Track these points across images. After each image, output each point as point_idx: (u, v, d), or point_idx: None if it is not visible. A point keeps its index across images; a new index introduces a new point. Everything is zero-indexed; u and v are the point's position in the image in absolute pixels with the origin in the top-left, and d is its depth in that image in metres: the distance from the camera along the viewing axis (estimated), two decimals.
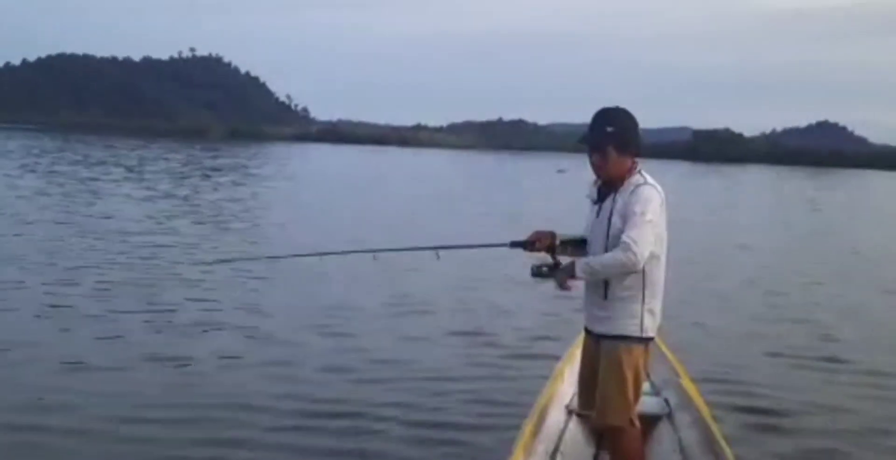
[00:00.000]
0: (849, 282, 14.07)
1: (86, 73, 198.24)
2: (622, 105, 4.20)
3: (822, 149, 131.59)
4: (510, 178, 48.07)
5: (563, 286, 4.10)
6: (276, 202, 24.33)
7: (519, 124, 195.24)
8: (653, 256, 3.99)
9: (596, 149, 4.10)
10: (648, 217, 3.92)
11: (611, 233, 4.02)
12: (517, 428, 4.59)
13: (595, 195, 4.23)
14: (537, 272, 4.16)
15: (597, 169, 4.15)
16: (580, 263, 4.04)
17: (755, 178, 67.28)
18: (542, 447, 4.52)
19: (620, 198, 4.03)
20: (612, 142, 4.06)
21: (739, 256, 16.87)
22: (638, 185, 4.02)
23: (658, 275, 4.08)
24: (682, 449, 4.63)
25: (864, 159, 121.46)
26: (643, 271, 3.99)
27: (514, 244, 4.34)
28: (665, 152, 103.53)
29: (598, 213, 4.15)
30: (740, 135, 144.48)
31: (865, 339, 9.51)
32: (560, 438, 4.80)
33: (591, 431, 5.10)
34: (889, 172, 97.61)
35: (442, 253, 4.70)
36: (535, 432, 4.49)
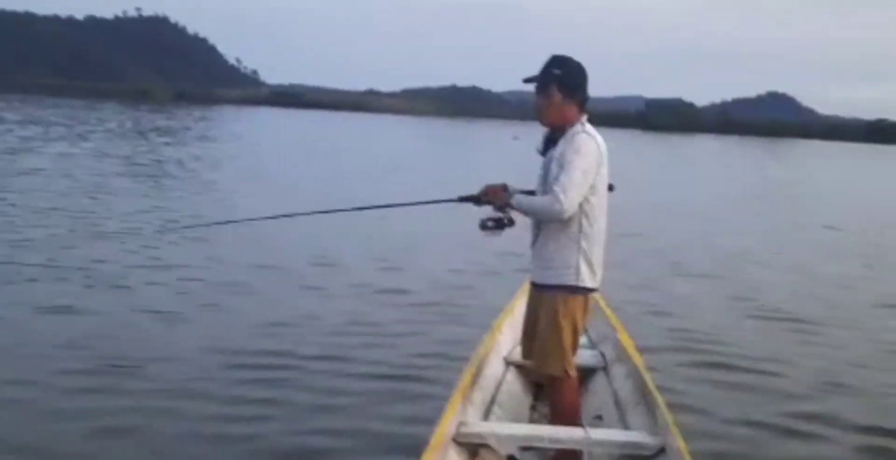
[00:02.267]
0: (783, 240, 14.55)
1: (27, 32, 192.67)
2: None
3: (771, 119, 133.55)
4: (465, 145, 47.96)
5: (489, 194, 4.08)
6: (219, 164, 23.88)
7: (473, 91, 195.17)
8: (588, 206, 3.94)
9: (540, 90, 4.04)
10: (579, 164, 3.85)
11: (548, 181, 3.97)
12: (455, 379, 4.53)
13: (542, 147, 4.17)
14: (484, 225, 4.09)
15: (539, 112, 4.07)
16: (517, 196, 4.02)
17: (702, 147, 68.11)
18: (480, 397, 4.49)
19: (560, 147, 3.98)
20: (556, 82, 3.99)
21: (680, 220, 17.15)
22: (575, 134, 3.95)
23: (596, 227, 4.00)
24: (617, 400, 4.64)
25: (812, 130, 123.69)
26: (579, 222, 3.94)
27: (463, 198, 4.25)
28: (618, 121, 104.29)
29: (542, 165, 4.10)
30: (692, 105, 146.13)
31: (797, 292, 9.95)
32: (497, 389, 4.78)
33: (528, 382, 5.11)
34: (837, 143, 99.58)
35: (386, 211, 4.60)
36: (473, 382, 4.44)
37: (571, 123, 4.00)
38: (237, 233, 10.76)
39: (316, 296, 8.36)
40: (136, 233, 11.09)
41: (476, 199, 4.20)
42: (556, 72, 4.01)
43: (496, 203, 4.07)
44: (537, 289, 4.16)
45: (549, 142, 4.11)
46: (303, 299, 8.16)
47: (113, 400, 5.33)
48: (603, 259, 4.07)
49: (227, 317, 7.42)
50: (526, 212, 4.00)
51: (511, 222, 4.07)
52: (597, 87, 4.27)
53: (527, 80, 4.11)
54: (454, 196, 4.27)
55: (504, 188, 4.16)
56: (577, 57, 4.10)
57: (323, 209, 5.31)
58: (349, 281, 9.04)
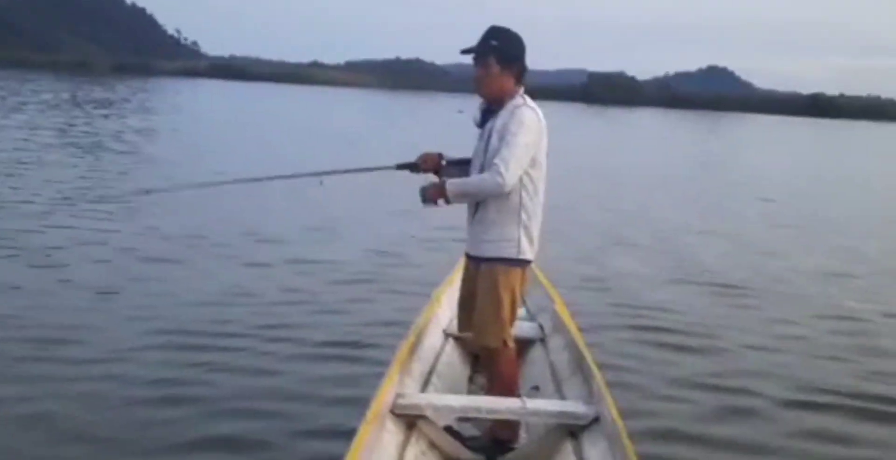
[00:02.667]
0: (720, 212, 14.84)
1: None
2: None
3: (711, 93, 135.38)
4: (409, 117, 47.71)
5: (427, 200, 4.00)
6: (158, 136, 23.41)
7: (417, 63, 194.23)
8: (529, 180, 3.96)
9: (478, 61, 4.03)
10: (522, 139, 3.86)
11: (488, 154, 3.96)
12: (394, 349, 4.53)
13: (479, 118, 4.16)
14: (425, 197, 4.06)
15: (478, 83, 4.07)
16: (451, 184, 3.97)
17: (643, 121, 68.85)
18: (418, 368, 4.50)
19: (500, 119, 3.97)
20: (494, 54, 3.98)
21: (619, 192, 17.38)
22: (517, 107, 3.96)
23: (535, 200, 4.04)
24: (554, 371, 4.70)
25: (751, 104, 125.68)
26: (519, 195, 3.96)
27: (401, 166, 4.26)
28: (561, 94, 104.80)
29: (480, 136, 4.10)
30: (633, 79, 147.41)
31: (733, 261, 10.24)
32: (436, 360, 4.81)
33: (466, 354, 5.14)
34: (775, 116, 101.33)
35: (325, 180, 4.57)
36: (411, 354, 4.45)
37: (511, 95, 4.01)
38: (169, 206, 10.66)
39: (250, 268, 8.29)
40: (67, 206, 10.86)
41: (414, 167, 4.21)
42: (494, 43, 4.00)
43: (435, 201, 3.99)
44: (474, 261, 4.17)
45: (486, 114, 4.11)
46: (236, 271, 8.10)
47: (39, 372, 5.25)
48: (540, 231, 4.10)
49: (158, 289, 7.31)
50: (464, 194, 3.96)
51: (447, 201, 4.04)
52: (540, 61, 4.30)
53: (465, 51, 4.11)
54: (392, 164, 4.27)
55: (440, 156, 4.21)
56: (517, 29, 4.08)
57: (269, 177, 5.26)
58: (284, 252, 8.99)
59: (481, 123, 4.13)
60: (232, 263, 8.40)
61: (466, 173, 4.14)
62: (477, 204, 4.03)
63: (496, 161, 3.83)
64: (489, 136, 3.99)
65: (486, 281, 4.07)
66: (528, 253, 4.06)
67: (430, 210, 4.22)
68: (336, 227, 10.71)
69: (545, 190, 4.06)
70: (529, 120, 3.91)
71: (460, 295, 4.38)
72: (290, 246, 9.38)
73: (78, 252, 8.42)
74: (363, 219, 11.57)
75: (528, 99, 4.03)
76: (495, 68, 3.98)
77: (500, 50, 3.99)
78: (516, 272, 4.07)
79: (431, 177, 4.18)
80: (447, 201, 3.98)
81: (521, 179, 3.91)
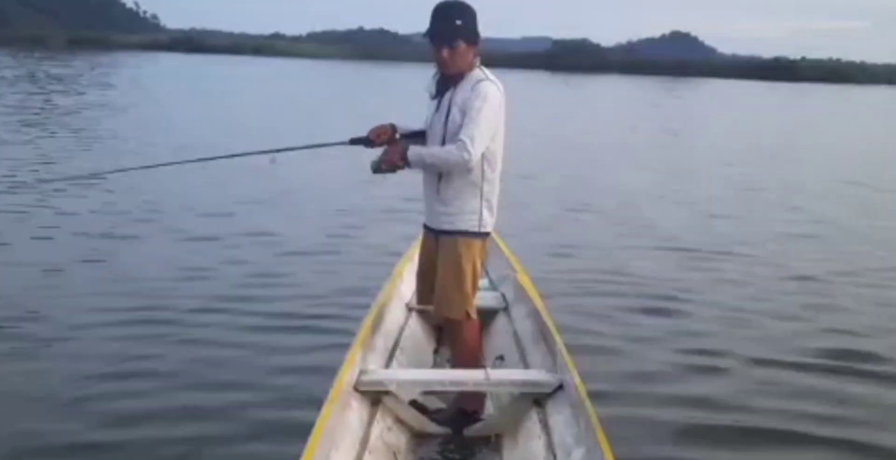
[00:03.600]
0: (684, 177, 14.96)
1: None
2: (480, 12, 4.07)
3: (675, 59, 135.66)
4: (374, 87, 47.29)
5: (387, 161, 3.92)
6: (116, 112, 22.92)
7: (380, 33, 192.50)
8: (490, 153, 3.97)
9: (446, 44, 3.96)
10: (486, 114, 3.87)
11: (449, 127, 3.96)
12: (355, 327, 4.51)
13: (433, 89, 4.14)
14: (377, 168, 4.01)
15: (445, 64, 4.02)
16: (413, 149, 3.94)
17: (607, 87, 68.94)
18: (382, 344, 4.50)
19: (461, 92, 3.96)
20: (462, 35, 3.96)
21: (581, 159, 17.41)
22: (479, 81, 3.96)
23: (495, 172, 4.07)
24: (518, 341, 4.73)
25: (713, 69, 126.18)
26: (481, 167, 3.98)
27: (354, 141, 4.21)
28: (525, 62, 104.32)
29: (437, 107, 4.07)
30: (598, 46, 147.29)
31: (697, 227, 10.38)
32: (400, 334, 4.81)
33: (431, 327, 5.15)
34: (738, 81, 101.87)
35: (279, 157, 4.52)
36: (374, 330, 4.44)
37: (470, 68, 4.01)
38: (121, 183, 10.51)
39: (205, 243, 8.24)
40: (17, 185, 10.66)
41: (368, 141, 4.16)
42: (459, 22, 3.97)
43: (394, 163, 3.93)
44: (434, 233, 4.18)
45: (442, 85, 4.08)
46: (192, 247, 8.06)
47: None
48: (499, 200, 4.12)
49: (113, 267, 7.26)
50: (424, 163, 3.94)
51: (406, 164, 4.01)
52: (504, 29, 4.22)
53: (427, 35, 4.02)
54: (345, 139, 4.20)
55: (392, 128, 4.16)
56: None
57: (219, 156, 5.20)
58: (240, 227, 8.95)
59: (436, 94, 4.10)
60: (187, 239, 8.34)
61: (420, 145, 4.09)
62: (438, 177, 4.02)
63: (462, 137, 3.82)
64: (448, 108, 3.97)
65: (447, 253, 4.09)
66: (488, 225, 4.10)
67: (380, 177, 4.17)
68: (292, 201, 10.68)
69: (503, 160, 4.07)
70: (492, 95, 3.92)
71: (419, 267, 4.40)
72: (247, 220, 9.32)
73: (27, 231, 8.31)
74: (320, 192, 11.52)
75: (487, 72, 4.02)
76: (462, 47, 3.96)
77: (466, 29, 3.97)
78: (477, 244, 4.10)
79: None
80: (406, 163, 3.93)
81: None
